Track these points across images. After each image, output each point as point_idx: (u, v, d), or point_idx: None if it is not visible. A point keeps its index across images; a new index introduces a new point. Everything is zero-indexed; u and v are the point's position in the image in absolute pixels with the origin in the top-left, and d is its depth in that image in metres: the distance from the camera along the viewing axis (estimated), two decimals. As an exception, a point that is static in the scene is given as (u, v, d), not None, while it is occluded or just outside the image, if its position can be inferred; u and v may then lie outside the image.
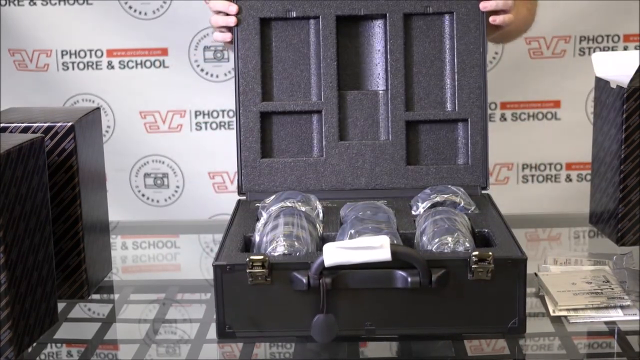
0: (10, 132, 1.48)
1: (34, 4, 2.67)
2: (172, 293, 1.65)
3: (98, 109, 1.65)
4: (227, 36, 1.82)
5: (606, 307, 1.46)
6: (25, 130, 1.49)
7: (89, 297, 1.57)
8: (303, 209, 1.58)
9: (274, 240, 1.42)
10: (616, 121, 1.69)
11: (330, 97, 1.77)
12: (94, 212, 1.60)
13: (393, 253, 1.31)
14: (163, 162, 2.75)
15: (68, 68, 2.70)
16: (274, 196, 1.65)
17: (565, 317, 1.45)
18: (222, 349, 1.41)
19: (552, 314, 1.46)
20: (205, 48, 2.69)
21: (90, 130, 1.59)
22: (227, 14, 1.80)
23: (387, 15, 1.77)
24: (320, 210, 1.62)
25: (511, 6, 1.81)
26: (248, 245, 1.52)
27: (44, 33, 2.68)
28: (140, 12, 2.67)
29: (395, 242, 1.41)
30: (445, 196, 1.63)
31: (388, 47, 1.78)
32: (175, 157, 2.76)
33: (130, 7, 2.67)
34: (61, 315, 1.50)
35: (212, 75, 2.70)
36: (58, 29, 2.68)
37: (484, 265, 1.34)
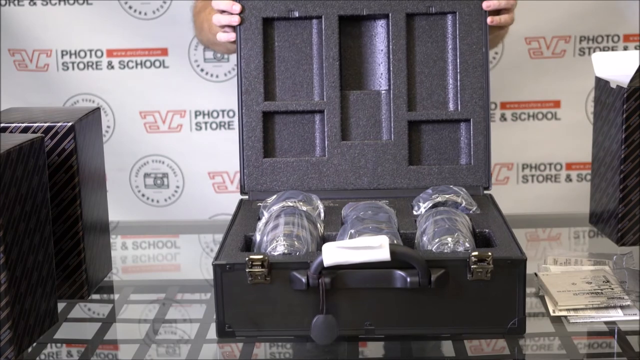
0: (10, 132, 1.48)
1: (34, 4, 2.67)
2: (172, 293, 1.65)
3: (98, 109, 1.65)
4: (232, 36, 1.82)
5: (606, 307, 1.46)
6: (25, 130, 1.49)
7: (89, 297, 1.57)
8: (304, 208, 1.58)
9: (274, 239, 1.42)
10: (616, 121, 1.69)
11: (332, 97, 1.77)
12: (94, 212, 1.60)
13: (392, 253, 1.31)
14: (163, 162, 2.75)
15: (68, 68, 2.70)
16: (275, 196, 1.65)
17: (565, 317, 1.45)
18: (222, 349, 1.41)
19: (552, 314, 1.46)
20: (206, 48, 2.69)
21: (90, 130, 1.59)
22: (231, 13, 1.80)
23: (390, 15, 1.77)
24: (322, 210, 1.62)
25: (513, 5, 1.81)
26: (249, 245, 1.52)
27: (44, 33, 2.68)
28: (140, 12, 2.67)
29: (395, 242, 1.41)
30: (447, 196, 1.63)
31: (390, 47, 1.78)
32: (175, 157, 2.75)
33: (130, 7, 2.67)
34: (61, 315, 1.50)
35: (212, 75, 2.70)
36: (58, 29, 2.68)
37: (483, 266, 1.34)
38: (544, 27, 2.69)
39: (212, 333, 1.43)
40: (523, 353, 1.37)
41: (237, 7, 1.78)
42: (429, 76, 1.80)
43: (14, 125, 1.49)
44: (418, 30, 1.79)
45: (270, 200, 1.64)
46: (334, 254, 1.31)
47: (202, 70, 2.70)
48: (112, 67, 2.71)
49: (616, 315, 1.44)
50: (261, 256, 1.36)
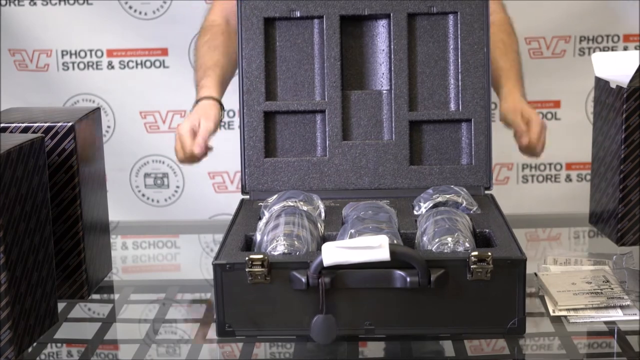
0: (11, 132, 1.48)
1: (34, 4, 2.67)
2: (172, 293, 1.65)
3: (98, 109, 1.65)
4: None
5: (606, 307, 1.46)
6: (25, 130, 1.49)
7: (89, 297, 1.57)
8: (305, 208, 1.58)
9: (274, 239, 1.42)
10: (616, 121, 1.69)
11: (333, 96, 1.77)
12: (94, 212, 1.60)
13: (392, 253, 1.31)
14: (163, 162, 2.76)
15: (68, 68, 2.70)
16: (276, 195, 1.65)
17: (565, 317, 1.45)
18: (222, 349, 1.41)
19: (552, 313, 1.46)
20: (206, 48, 2.68)
21: (90, 130, 1.59)
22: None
23: (391, 15, 1.77)
24: (322, 210, 1.62)
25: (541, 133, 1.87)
26: (249, 244, 1.52)
27: (44, 33, 2.68)
28: (140, 12, 2.67)
29: (395, 242, 1.41)
30: (448, 196, 1.63)
31: (392, 46, 1.78)
32: (175, 157, 2.75)
33: (130, 7, 2.67)
34: (61, 315, 1.50)
35: (212, 75, 2.70)
36: (58, 29, 2.68)
37: (483, 266, 1.34)
38: (544, 27, 2.69)
39: (212, 333, 1.43)
40: (523, 353, 1.37)
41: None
42: (430, 76, 1.80)
43: (14, 125, 1.49)
44: (419, 30, 1.79)
45: (271, 200, 1.64)
46: (333, 253, 1.31)
47: (202, 70, 2.70)
48: (112, 67, 2.71)
49: (616, 315, 1.44)
50: (261, 256, 1.36)
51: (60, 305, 1.52)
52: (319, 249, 1.39)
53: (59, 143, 1.50)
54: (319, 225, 1.54)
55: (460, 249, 1.40)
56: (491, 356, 1.38)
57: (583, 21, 2.67)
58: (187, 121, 1.90)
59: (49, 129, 1.50)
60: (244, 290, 1.37)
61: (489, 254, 1.35)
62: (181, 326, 1.51)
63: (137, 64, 2.71)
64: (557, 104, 2.75)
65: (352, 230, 1.45)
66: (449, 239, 1.41)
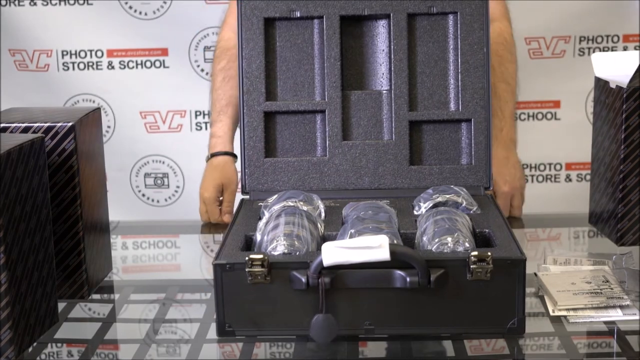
0: (11, 132, 1.48)
1: (34, 4, 2.67)
2: (172, 293, 1.65)
3: (98, 109, 1.65)
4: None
5: (606, 307, 1.46)
6: (25, 130, 1.49)
7: (89, 297, 1.57)
8: (305, 208, 1.58)
9: (274, 239, 1.42)
10: (616, 121, 1.69)
11: (333, 96, 1.77)
12: (94, 212, 1.60)
13: (392, 253, 1.31)
14: (163, 162, 2.76)
15: (68, 68, 2.70)
16: (276, 195, 1.65)
17: (565, 317, 1.45)
18: (222, 349, 1.41)
19: (551, 313, 1.46)
20: (205, 48, 2.69)
21: (90, 130, 1.59)
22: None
23: (391, 15, 1.77)
24: (322, 210, 1.62)
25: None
26: (249, 244, 1.52)
27: (44, 33, 2.69)
28: (140, 12, 2.67)
29: (395, 242, 1.41)
30: (448, 196, 1.63)
31: (392, 47, 1.78)
32: (175, 157, 2.76)
33: (130, 7, 2.67)
34: (61, 315, 1.50)
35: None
36: (58, 29, 2.68)
37: (483, 266, 1.34)
38: (544, 27, 2.69)
39: (212, 333, 1.43)
40: (523, 353, 1.37)
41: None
42: (430, 76, 1.80)
43: (14, 125, 1.49)
44: (419, 30, 1.79)
45: (271, 200, 1.64)
46: (333, 253, 1.31)
47: (202, 70, 2.70)
48: (112, 67, 2.71)
49: (616, 315, 1.44)
50: (261, 256, 1.36)
51: (60, 305, 1.52)
52: (319, 249, 1.39)
53: (59, 143, 1.50)
54: (319, 225, 1.54)
55: (460, 249, 1.40)
56: (491, 356, 1.38)
57: (583, 21, 2.67)
58: (211, 187, 2.02)
59: (49, 129, 1.50)
60: (244, 290, 1.37)
61: (489, 254, 1.35)
62: (181, 326, 1.51)
63: (137, 64, 2.71)
64: (557, 104, 2.75)
65: (352, 230, 1.46)
66: (449, 239, 1.41)
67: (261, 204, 1.65)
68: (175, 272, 1.86)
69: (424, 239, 1.45)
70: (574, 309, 1.46)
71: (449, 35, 1.79)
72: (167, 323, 1.51)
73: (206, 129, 2.73)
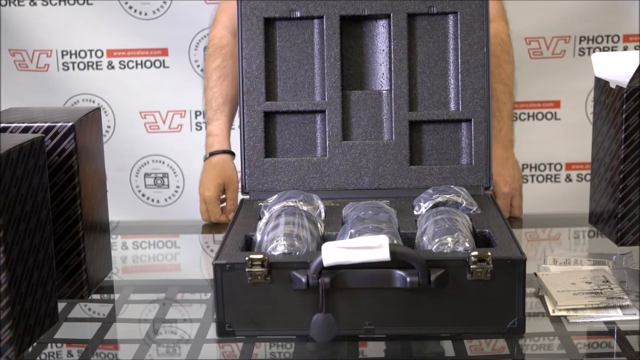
0: (11, 132, 1.48)
1: (34, 4, 2.67)
2: (172, 293, 1.65)
3: (98, 109, 1.65)
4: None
5: (606, 307, 1.46)
6: (25, 130, 1.49)
7: (89, 297, 1.57)
8: (305, 208, 1.58)
9: (274, 239, 1.42)
10: (616, 121, 1.69)
11: (333, 97, 1.77)
12: (94, 212, 1.60)
13: (392, 253, 1.31)
14: (163, 162, 2.76)
15: (68, 68, 2.70)
16: (276, 195, 1.65)
17: (565, 317, 1.45)
18: (222, 349, 1.41)
19: (551, 313, 1.46)
20: (205, 48, 2.69)
21: (90, 130, 1.59)
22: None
23: (391, 15, 1.77)
24: (322, 210, 1.62)
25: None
26: (249, 244, 1.52)
27: (44, 33, 2.69)
28: (140, 12, 2.67)
29: (395, 242, 1.41)
30: (448, 196, 1.63)
31: (392, 47, 1.78)
32: (175, 157, 2.76)
33: (130, 7, 2.67)
34: (61, 315, 1.50)
35: (212, 75, 2.70)
36: (58, 29, 2.68)
37: (483, 266, 1.34)
38: (544, 27, 2.69)
39: (212, 333, 1.43)
40: (523, 353, 1.37)
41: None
42: (430, 76, 1.80)
43: (14, 125, 1.49)
44: (419, 30, 1.79)
45: (271, 200, 1.64)
46: (333, 253, 1.31)
47: (202, 70, 2.70)
48: (112, 67, 2.71)
49: (616, 315, 1.44)
50: (261, 256, 1.36)
51: (60, 305, 1.52)
52: (319, 249, 1.39)
53: (59, 143, 1.50)
54: (319, 225, 1.54)
55: (460, 249, 1.40)
56: (491, 356, 1.38)
57: (583, 21, 2.67)
58: (212, 186, 2.02)
59: (49, 129, 1.50)
60: (244, 290, 1.37)
61: (489, 254, 1.35)
62: (181, 326, 1.51)
63: (137, 64, 2.71)
64: (557, 104, 2.75)
65: (352, 230, 1.45)
66: (449, 239, 1.41)
67: (261, 204, 1.65)
68: (175, 272, 1.86)
69: (424, 239, 1.45)
70: (574, 309, 1.46)
71: (449, 35, 1.79)
72: (167, 323, 1.51)
73: (206, 128, 2.73)
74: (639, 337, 1.39)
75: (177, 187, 2.77)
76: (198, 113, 2.73)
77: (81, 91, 2.72)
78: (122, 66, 2.71)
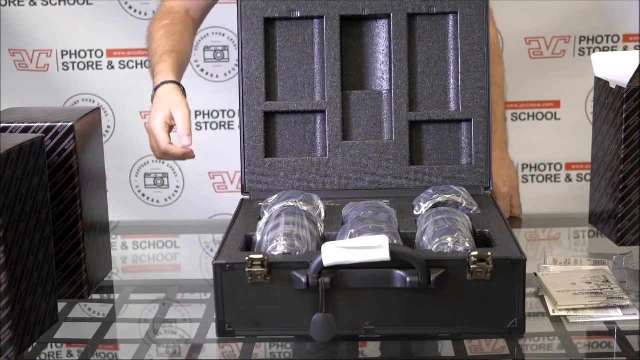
0: (10, 132, 1.48)
1: (34, 4, 2.67)
2: (172, 293, 1.65)
3: (98, 109, 1.65)
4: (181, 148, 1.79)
5: (606, 307, 1.46)
6: (25, 130, 1.49)
7: (89, 297, 1.57)
8: (305, 208, 1.58)
9: (274, 239, 1.42)
10: (616, 121, 1.69)
11: (333, 97, 1.77)
12: (94, 212, 1.60)
13: (392, 253, 1.31)
14: (163, 162, 2.76)
15: (68, 68, 2.70)
16: (276, 195, 1.65)
17: (565, 317, 1.45)
18: (222, 349, 1.41)
19: (551, 314, 1.46)
20: (205, 48, 2.69)
21: (90, 130, 1.59)
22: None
23: (391, 15, 1.77)
24: (322, 210, 1.62)
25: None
26: (249, 244, 1.52)
27: (44, 33, 2.68)
28: (140, 12, 2.67)
29: (395, 242, 1.41)
30: (448, 196, 1.63)
31: (392, 47, 1.78)
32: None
33: (130, 7, 2.67)
34: (61, 315, 1.50)
35: (212, 75, 2.71)
36: (58, 29, 2.68)
37: (483, 266, 1.34)
38: (544, 27, 2.69)
39: (212, 333, 1.43)
40: (523, 353, 1.37)
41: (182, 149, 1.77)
42: (430, 76, 1.80)
43: (14, 125, 1.49)
44: (419, 31, 1.79)
45: (271, 200, 1.64)
46: (333, 253, 1.31)
47: (202, 70, 2.70)
48: (112, 67, 2.71)
49: (616, 315, 1.44)
50: (261, 256, 1.36)
51: (60, 305, 1.52)
52: (319, 249, 1.39)
53: (59, 143, 1.50)
54: (319, 225, 1.54)
55: (460, 249, 1.40)
56: (491, 356, 1.38)
57: (583, 21, 2.67)
58: (157, 114, 1.81)
59: (49, 129, 1.50)
60: (244, 290, 1.37)
61: (489, 254, 1.35)
62: (181, 326, 1.51)
63: (137, 64, 2.71)
64: (557, 104, 2.75)
65: (352, 230, 1.45)
66: (449, 239, 1.41)
67: (261, 204, 1.65)
68: (175, 272, 1.86)
69: (424, 239, 1.45)
70: (574, 309, 1.46)
71: (449, 35, 1.79)
72: (167, 323, 1.51)
73: (206, 128, 2.73)
74: (639, 337, 1.39)
75: (177, 187, 2.77)
76: (198, 113, 2.73)
77: (81, 91, 2.72)
78: (122, 66, 2.71)
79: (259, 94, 1.77)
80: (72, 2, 2.67)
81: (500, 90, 2.07)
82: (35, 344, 1.40)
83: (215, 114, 2.73)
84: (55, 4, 2.67)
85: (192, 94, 2.71)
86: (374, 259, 1.31)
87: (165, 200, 2.78)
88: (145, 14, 2.67)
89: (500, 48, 2.12)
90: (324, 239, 1.52)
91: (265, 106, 1.78)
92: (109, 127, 2.74)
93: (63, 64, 2.70)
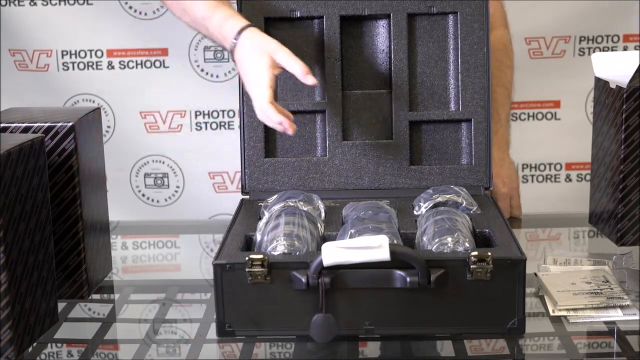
0: (11, 132, 1.48)
1: (34, 4, 2.67)
2: (172, 293, 1.65)
3: (98, 109, 1.65)
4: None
5: (606, 307, 1.46)
6: (25, 130, 1.49)
7: (89, 297, 1.57)
8: (305, 208, 1.58)
9: (274, 239, 1.42)
10: (616, 121, 1.69)
11: (333, 97, 1.77)
12: (94, 212, 1.60)
13: (392, 253, 1.31)
14: (163, 162, 2.75)
15: (68, 68, 2.70)
16: (276, 195, 1.65)
17: (565, 317, 1.45)
18: (222, 349, 1.41)
19: (551, 314, 1.46)
20: (205, 48, 2.69)
21: (90, 130, 1.59)
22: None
23: (391, 15, 1.77)
24: (322, 210, 1.62)
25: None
26: (249, 245, 1.52)
27: (44, 33, 2.68)
28: (140, 12, 2.67)
29: (395, 242, 1.41)
30: (448, 196, 1.63)
31: (392, 47, 1.78)
32: (175, 157, 2.76)
33: (130, 7, 2.67)
34: (61, 315, 1.50)
35: (212, 75, 2.71)
36: (58, 29, 2.68)
37: (483, 266, 1.34)
38: (544, 27, 2.69)
39: (212, 333, 1.43)
40: (523, 353, 1.37)
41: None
42: (430, 76, 1.80)
43: (14, 125, 1.49)
44: (419, 31, 1.79)
45: (271, 200, 1.64)
46: (333, 253, 1.31)
47: (202, 70, 2.70)
48: (112, 67, 2.71)
49: (616, 315, 1.44)
50: (261, 256, 1.36)
51: (60, 305, 1.52)
52: (319, 249, 1.39)
53: (59, 143, 1.50)
54: (319, 225, 1.54)
55: (460, 249, 1.40)
56: (491, 356, 1.38)
57: (583, 21, 2.67)
58: (256, 65, 1.57)
59: (49, 129, 1.50)
60: (244, 290, 1.37)
61: (489, 254, 1.35)
62: (181, 326, 1.51)
63: (137, 64, 2.71)
64: (557, 104, 2.75)
65: (352, 230, 1.46)
66: (449, 239, 1.41)
67: (261, 204, 1.65)
68: (175, 272, 1.86)
69: (424, 239, 1.45)
70: (574, 309, 1.46)
71: (449, 35, 1.79)
72: (167, 323, 1.51)
73: (206, 128, 2.73)
74: (639, 337, 1.39)
75: (177, 187, 2.77)
76: (198, 113, 2.73)
77: (81, 91, 2.72)
78: (122, 66, 2.71)
79: (259, 94, 1.77)
80: (72, 2, 2.67)
81: (507, 93, 2.08)
82: (35, 344, 1.40)
83: (215, 114, 2.73)
84: (55, 4, 2.67)
85: (192, 94, 2.72)
86: (374, 259, 1.31)
87: (165, 200, 2.78)
88: (145, 14, 2.67)
89: (512, 51, 2.13)
90: (324, 239, 1.52)
91: (265, 106, 1.77)
92: (109, 127, 2.74)
93: (63, 64, 2.70)
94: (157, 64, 2.70)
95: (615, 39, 2.69)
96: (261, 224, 1.54)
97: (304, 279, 1.34)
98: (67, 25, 2.68)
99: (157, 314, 1.54)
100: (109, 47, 2.70)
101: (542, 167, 2.78)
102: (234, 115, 2.72)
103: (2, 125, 1.49)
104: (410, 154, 1.78)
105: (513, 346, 1.37)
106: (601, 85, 1.76)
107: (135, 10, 2.67)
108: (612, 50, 2.68)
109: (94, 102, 2.72)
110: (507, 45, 2.12)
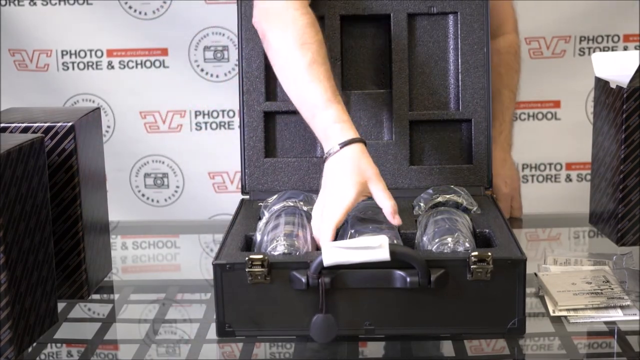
0: (10, 132, 1.48)
1: (34, 4, 2.67)
2: (172, 293, 1.65)
3: (98, 109, 1.65)
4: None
5: (606, 307, 1.46)
6: (25, 130, 1.49)
7: (89, 297, 1.57)
8: (305, 208, 1.58)
9: (274, 239, 1.42)
10: (616, 121, 1.69)
11: None
12: (94, 212, 1.60)
13: (392, 253, 1.31)
14: (163, 162, 2.76)
15: (68, 68, 2.70)
16: (276, 195, 1.65)
17: (565, 317, 1.45)
18: (222, 349, 1.41)
19: (552, 314, 1.46)
20: (205, 48, 2.69)
21: (90, 130, 1.59)
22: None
23: (391, 15, 1.77)
24: (322, 210, 1.62)
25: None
26: (249, 245, 1.52)
27: (44, 33, 2.68)
28: (140, 12, 2.67)
29: (395, 242, 1.41)
30: (448, 196, 1.63)
31: (392, 47, 1.77)
32: (175, 157, 2.76)
33: (130, 7, 2.67)
34: (61, 315, 1.50)
35: (212, 75, 2.71)
36: (58, 29, 2.68)
37: (483, 266, 1.34)
38: (544, 27, 2.69)
39: (212, 333, 1.43)
40: (523, 353, 1.37)
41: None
42: (430, 76, 1.80)
43: (14, 125, 1.49)
44: (419, 30, 1.79)
45: (271, 200, 1.64)
46: (333, 253, 1.31)
47: (202, 70, 2.70)
48: (112, 67, 2.71)
49: (616, 315, 1.44)
50: (261, 256, 1.36)
51: (60, 305, 1.52)
52: (319, 249, 1.39)
53: (59, 143, 1.50)
54: (319, 225, 1.54)
55: (460, 249, 1.40)
56: (491, 356, 1.38)
57: (583, 21, 2.67)
58: (336, 212, 1.44)
59: (49, 129, 1.50)
60: (244, 290, 1.37)
61: (489, 254, 1.35)
62: (181, 326, 1.51)
63: (137, 64, 2.71)
64: (557, 104, 2.75)
65: (352, 230, 1.45)
66: (449, 239, 1.41)
67: (261, 204, 1.65)
68: (175, 272, 1.86)
69: (424, 239, 1.45)
70: (575, 309, 1.46)
71: (449, 35, 1.79)
72: (167, 323, 1.51)
73: (206, 128, 2.73)
74: (639, 337, 1.39)
75: (177, 187, 2.77)
76: (198, 113, 2.73)
77: (81, 91, 2.72)
78: (122, 66, 2.71)
79: (259, 94, 1.77)
80: (72, 2, 2.67)
81: (513, 95, 2.11)
82: (35, 344, 1.40)
83: (215, 114, 2.73)
84: (55, 4, 2.67)
85: (192, 94, 2.72)
86: (374, 259, 1.31)
87: (165, 200, 2.78)
88: (145, 14, 2.67)
89: (520, 57, 2.15)
90: (324, 239, 1.52)
91: (265, 106, 1.78)
92: (109, 127, 2.74)
93: (63, 64, 2.70)
94: (157, 64, 2.71)
95: (616, 39, 2.69)
96: (261, 224, 1.54)
97: (304, 279, 1.34)
98: (67, 25, 2.68)
99: (157, 314, 1.54)
100: (109, 47, 2.70)
101: (542, 167, 2.79)
102: (233, 115, 2.72)
103: (2, 125, 1.49)
104: (410, 154, 1.78)
105: (513, 346, 1.37)
106: (601, 85, 1.76)
107: (135, 10, 2.67)
108: (612, 50, 2.69)
109: (94, 102, 2.72)
110: (517, 50, 2.15)
